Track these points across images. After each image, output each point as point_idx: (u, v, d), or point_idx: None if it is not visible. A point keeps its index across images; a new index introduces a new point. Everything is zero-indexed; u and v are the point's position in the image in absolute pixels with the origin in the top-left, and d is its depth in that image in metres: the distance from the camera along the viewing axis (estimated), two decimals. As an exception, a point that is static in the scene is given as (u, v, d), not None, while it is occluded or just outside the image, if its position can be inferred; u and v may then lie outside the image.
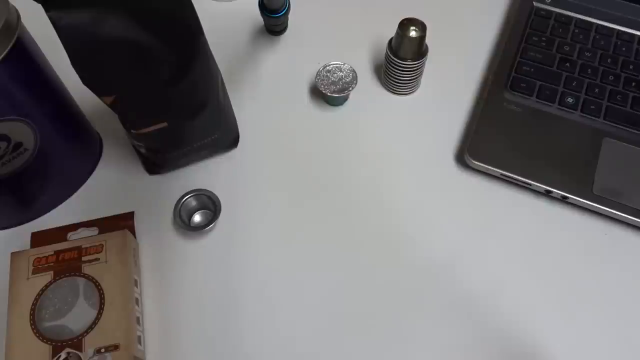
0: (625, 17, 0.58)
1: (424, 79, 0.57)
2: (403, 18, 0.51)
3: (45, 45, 0.44)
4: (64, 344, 0.38)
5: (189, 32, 0.39)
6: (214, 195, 0.48)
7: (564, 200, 0.48)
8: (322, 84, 0.53)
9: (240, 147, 0.52)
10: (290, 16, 0.60)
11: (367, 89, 0.56)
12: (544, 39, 0.57)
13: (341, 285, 0.45)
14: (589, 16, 0.58)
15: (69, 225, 0.46)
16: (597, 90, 0.53)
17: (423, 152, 0.52)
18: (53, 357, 0.38)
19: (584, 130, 0.51)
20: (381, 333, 0.43)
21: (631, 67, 0.54)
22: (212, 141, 0.48)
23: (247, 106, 0.55)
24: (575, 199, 0.47)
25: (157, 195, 0.49)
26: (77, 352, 0.38)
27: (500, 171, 0.48)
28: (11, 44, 0.38)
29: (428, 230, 0.48)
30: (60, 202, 0.49)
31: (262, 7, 0.55)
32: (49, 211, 0.49)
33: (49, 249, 0.42)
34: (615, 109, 0.52)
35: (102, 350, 0.38)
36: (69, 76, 0.41)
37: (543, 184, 0.47)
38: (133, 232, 0.47)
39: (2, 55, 0.37)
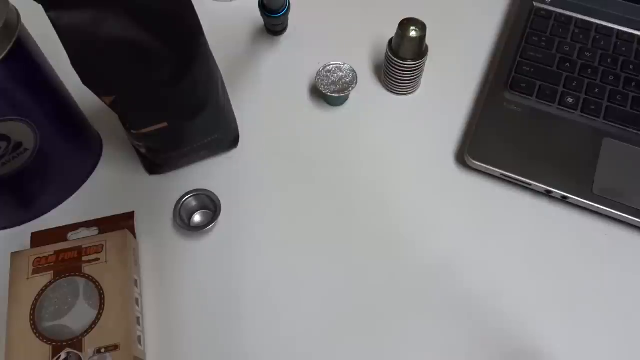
0: (625, 17, 0.58)
1: (424, 79, 0.57)
2: (403, 18, 0.51)
3: (45, 45, 0.44)
4: (64, 344, 0.38)
5: (189, 32, 0.39)
6: (214, 195, 0.48)
7: (564, 200, 0.48)
8: (322, 84, 0.53)
9: (240, 147, 0.52)
10: (290, 16, 0.60)
11: (367, 89, 0.56)
12: (544, 39, 0.57)
13: (341, 285, 0.45)
14: (589, 16, 0.58)
15: (69, 225, 0.46)
16: (597, 90, 0.53)
17: (423, 152, 0.52)
18: (53, 357, 0.37)
19: (584, 130, 0.51)
20: (381, 333, 0.43)
21: (631, 67, 0.54)
22: (212, 141, 0.48)
23: (247, 106, 0.55)
24: (575, 199, 0.47)
25: (157, 195, 0.49)
26: (77, 352, 0.38)
27: (500, 171, 0.48)
28: (11, 44, 0.38)
29: (428, 230, 0.48)
30: (60, 202, 0.49)
31: (262, 7, 0.55)
32: (49, 211, 0.48)
33: (49, 249, 0.42)
34: (615, 109, 0.52)
35: (102, 350, 0.38)
36: (69, 76, 0.42)
37: (543, 184, 0.47)
38: (133, 232, 0.47)
39: (2, 55, 0.37)
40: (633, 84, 0.53)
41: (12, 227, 0.48)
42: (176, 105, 0.42)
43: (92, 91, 0.39)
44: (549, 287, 0.45)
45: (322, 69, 0.54)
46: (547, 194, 0.48)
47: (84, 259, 0.41)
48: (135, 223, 0.48)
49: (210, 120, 0.46)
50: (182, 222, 0.46)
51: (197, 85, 0.42)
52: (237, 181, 0.50)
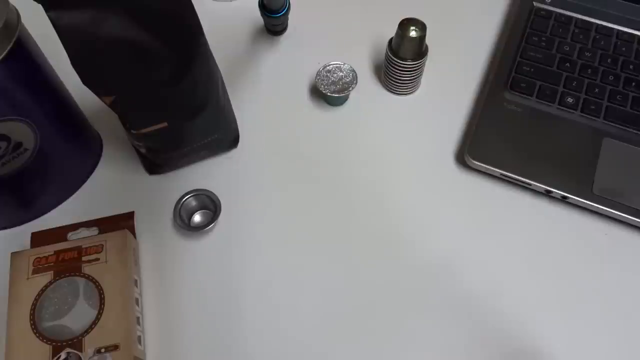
0: (625, 17, 0.58)
1: (424, 79, 0.57)
2: (403, 18, 0.51)
3: (45, 45, 0.44)
4: (64, 344, 0.38)
5: (189, 32, 0.39)
6: (214, 195, 0.48)
7: (564, 200, 0.48)
8: (322, 84, 0.53)
9: (240, 147, 0.52)
10: (290, 16, 0.60)
11: (367, 89, 0.56)
12: (544, 39, 0.57)
13: (341, 284, 0.45)
14: (589, 16, 0.58)
15: (69, 225, 0.46)
16: (597, 90, 0.53)
17: (423, 152, 0.52)
18: (53, 357, 0.38)
19: (584, 130, 0.51)
20: (381, 332, 0.43)
21: (631, 67, 0.54)
22: (212, 141, 0.48)
23: (247, 106, 0.55)
24: (575, 199, 0.47)
25: (157, 195, 0.49)
26: (77, 352, 0.38)
27: (500, 171, 0.48)
28: (11, 44, 0.38)
29: (428, 230, 0.48)
30: (60, 202, 0.49)
31: (262, 7, 0.55)
32: (49, 211, 0.48)
33: (49, 249, 0.42)
34: (615, 109, 0.52)
35: (102, 350, 0.38)
36: (69, 76, 0.42)
37: (543, 184, 0.47)
38: (133, 232, 0.47)
39: (2, 55, 0.37)
40: (633, 84, 0.53)
41: (12, 227, 0.48)
42: (176, 105, 0.42)
43: (92, 91, 0.39)
44: (549, 287, 0.45)
45: (322, 69, 0.54)
46: (547, 194, 0.48)
47: (84, 259, 0.41)
48: (135, 223, 0.48)
49: (210, 120, 0.46)
50: (182, 222, 0.46)
51: (197, 85, 0.42)
52: (237, 181, 0.50)
